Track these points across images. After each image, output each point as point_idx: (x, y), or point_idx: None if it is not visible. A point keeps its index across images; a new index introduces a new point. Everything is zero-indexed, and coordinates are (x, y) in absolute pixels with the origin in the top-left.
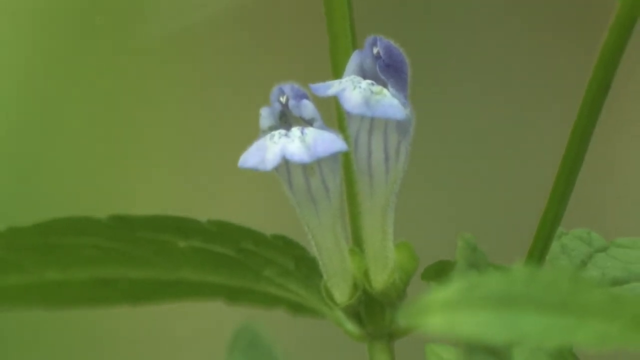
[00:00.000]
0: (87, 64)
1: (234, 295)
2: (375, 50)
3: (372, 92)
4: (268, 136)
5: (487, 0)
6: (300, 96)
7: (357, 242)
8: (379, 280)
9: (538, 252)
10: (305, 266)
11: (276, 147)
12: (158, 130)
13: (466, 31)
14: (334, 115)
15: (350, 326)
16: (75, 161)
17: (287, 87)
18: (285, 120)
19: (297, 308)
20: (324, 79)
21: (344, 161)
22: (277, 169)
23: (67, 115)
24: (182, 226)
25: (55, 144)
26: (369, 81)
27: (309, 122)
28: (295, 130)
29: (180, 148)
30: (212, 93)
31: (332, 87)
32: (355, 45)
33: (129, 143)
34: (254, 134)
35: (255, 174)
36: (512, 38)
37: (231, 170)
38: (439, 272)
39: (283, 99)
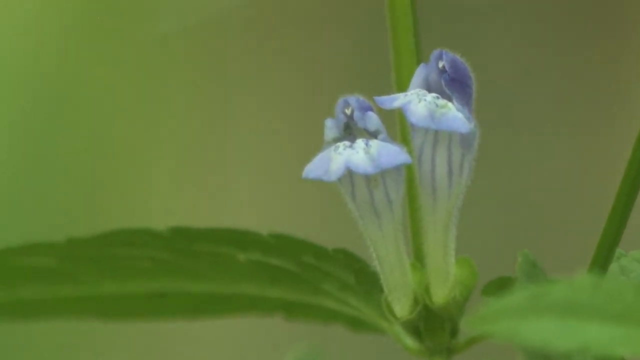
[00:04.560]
0: (90, 63)
1: (292, 310)
2: (440, 64)
3: (437, 105)
4: (332, 147)
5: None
6: (365, 108)
7: (418, 257)
8: (440, 295)
9: (597, 273)
10: (365, 280)
11: (340, 158)
12: (164, 131)
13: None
14: (396, 129)
15: (410, 341)
16: (78, 161)
17: (352, 99)
18: (350, 132)
19: (355, 323)
20: (329, 79)
21: (407, 176)
22: (340, 180)
23: (70, 114)
24: (242, 239)
25: (58, 143)
26: (434, 95)
27: (373, 134)
28: (360, 142)
29: (185, 149)
30: (221, 93)
31: (397, 100)
32: (419, 60)
33: (133, 143)
34: (266, 136)
35: (258, 176)
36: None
37: (238, 170)
38: (500, 287)
39: (348, 111)
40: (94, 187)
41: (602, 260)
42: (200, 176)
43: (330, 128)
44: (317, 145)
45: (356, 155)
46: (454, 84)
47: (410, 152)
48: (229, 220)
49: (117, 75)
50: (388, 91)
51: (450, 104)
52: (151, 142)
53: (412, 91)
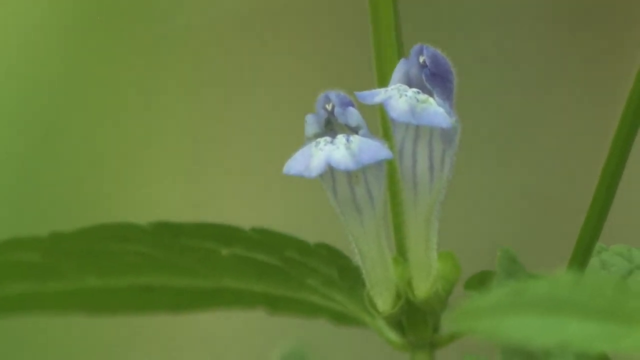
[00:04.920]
0: (92, 61)
1: (276, 305)
2: (421, 59)
3: (417, 100)
4: (313, 143)
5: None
6: (346, 104)
7: (401, 252)
8: (422, 289)
9: (577, 267)
10: (348, 275)
11: (321, 154)
12: (164, 129)
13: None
14: (378, 124)
15: (392, 335)
16: (78, 158)
17: (333, 94)
18: (331, 127)
19: (339, 317)
20: (313, 76)
21: (388, 170)
22: (321, 176)
23: (75, 113)
24: (225, 234)
25: (62, 142)
26: (414, 90)
27: (354, 130)
28: (341, 138)
29: (191, 149)
30: (227, 92)
31: (378, 95)
32: (400, 54)
33: (137, 142)
34: (271, 135)
35: (255, 174)
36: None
37: (240, 170)
38: (482, 282)
39: (329, 106)
40: (94, 186)
41: (582, 255)
42: (200, 174)
43: (311, 124)
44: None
45: (337, 151)
46: (434, 79)
47: (391, 147)
48: (222, 217)
49: (119, 73)
50: (369, 86)
51: (431, 99)
52: (152, 140)
53: (393, 86)
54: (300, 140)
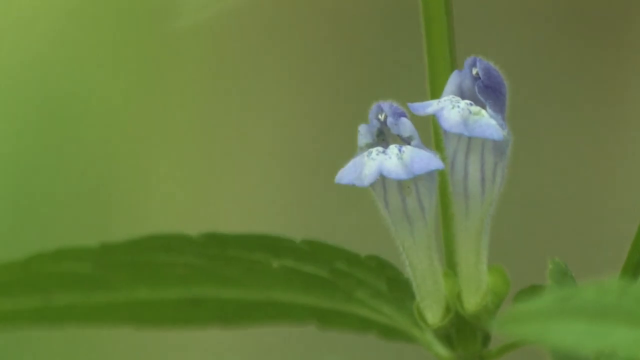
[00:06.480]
0: (100, 61)
1: (325, 319)
2: (474, 71)
3: (470, 112)
4: (365, 153)
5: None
6: (399, 114)
7: (450, 265)
8: (472, 302)
9: (628, 280)
10: (397, 288)
11: (373, 163)
12: (177, 130)
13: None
14: (430, 136)
15: (441, 349)
16: (87, 160)
17: (386, 104)
18: (383, 137)
19: (387, 332)
20: (357, 81)
21: (439, 183)
22: (373, 186)
23: (80, 112)
24: (275, 245)
25: (65, 142)
26: (467, 101)
27: (406, 141)
28: (393, 148)
29: (197, 149)
30: (237, 91)
31: (431, 106)
32: (454, 67)
33: (147, 138)
34: (284, 137)
35: (278, 179)
36: None
37: (243, 167)
38: (532, 296)
39: (381, 117)
40: (101, 188)
41: (633, 268)
42: (217, 178)
43: (364, 134)
44: (335, 147)
45: (389, 160)
46: (487, 91)
47: (443, 159)
48: (244, 224)
49: (128, 73)
50: (422, 98)
51: (483, 111)
52: (163, 141)
53: (446, 98)
54: (325, 144)
